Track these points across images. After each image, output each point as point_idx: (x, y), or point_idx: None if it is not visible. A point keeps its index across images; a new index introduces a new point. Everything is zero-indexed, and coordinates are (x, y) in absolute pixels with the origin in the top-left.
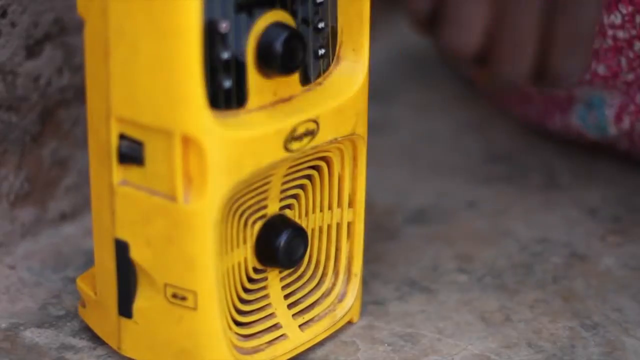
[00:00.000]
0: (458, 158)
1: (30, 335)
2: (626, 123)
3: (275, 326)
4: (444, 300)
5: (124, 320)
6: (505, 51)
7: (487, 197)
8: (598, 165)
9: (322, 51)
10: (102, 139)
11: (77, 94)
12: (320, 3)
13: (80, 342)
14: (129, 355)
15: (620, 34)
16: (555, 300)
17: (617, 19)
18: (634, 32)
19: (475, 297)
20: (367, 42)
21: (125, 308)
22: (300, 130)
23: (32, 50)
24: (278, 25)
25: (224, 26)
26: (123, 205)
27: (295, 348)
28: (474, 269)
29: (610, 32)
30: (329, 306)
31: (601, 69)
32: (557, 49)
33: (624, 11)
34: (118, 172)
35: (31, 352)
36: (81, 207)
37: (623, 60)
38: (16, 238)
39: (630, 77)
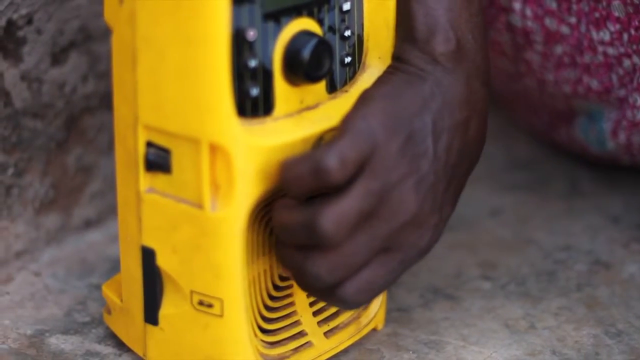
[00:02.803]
0: (480, 166)
1: (56, 341)
2: (622, 138)
3: (301, 333)
4: (468, 308)
5: (149, 327)
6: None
7: (509, 205)
8: (620, 173)
9: (348, 59)
10: (129, 147)
11: (102, 101)
12: (347, 11)
13: (106, 349)
14: None
15: (610, 51)
16: (579, 308)
17: (605, 35)
18: (622, 50)
19: (499, 305)
20: (393, 50)
21: (151, 315)
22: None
23: (57, 57)
24: (305, 34)
25: (251, 34)
26: (150, 212)
27: (320, 355)
28: (498, 277)
29: (600, 49)
30: (353, 313)
31: (594, 84)
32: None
33: (612, 29)
34: (145, 180)
35: (57, 358)
36: (106, 214)
37: (614, 77)
38: (41, 245)
39: (622, 93)
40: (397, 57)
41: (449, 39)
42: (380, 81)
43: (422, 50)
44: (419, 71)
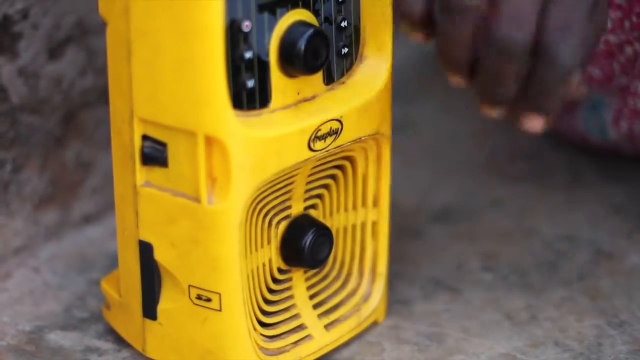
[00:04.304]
0: (481, 157)
1: (55, 337)
2: (623, 127)
3: (301, 327)
4: (469, 299)
5: (148, 321)
6: (507, 14)
7: (511, 196)
8: (622, 163)
9: (345, 50)
10: (125, 141)
11: (100, 96)
12: (343, 1)
13: (105, 344)
14: (153, 356)
15: (612, 38)
16: (581, 299)
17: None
18: (623, 37)
19: (500, 296)
20: (391, 41)
21: (149, 310)
22: (324, 129)
23: (54, 52)
24: (301, 24)
25: (246, 25)
26: (147, 206)
27: (320, 349)
28: (499, 268)
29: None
30: (354, 306)
31: (596, 72)
32: (550, 26)
33: (613, 16)
34: (141, 174)
35: (56, 354)
36: (105, 209)
37: (615, 65)
38: (40, 240)
39: (624, 81)
40: None
41: None
42: None
43: None
44: None
